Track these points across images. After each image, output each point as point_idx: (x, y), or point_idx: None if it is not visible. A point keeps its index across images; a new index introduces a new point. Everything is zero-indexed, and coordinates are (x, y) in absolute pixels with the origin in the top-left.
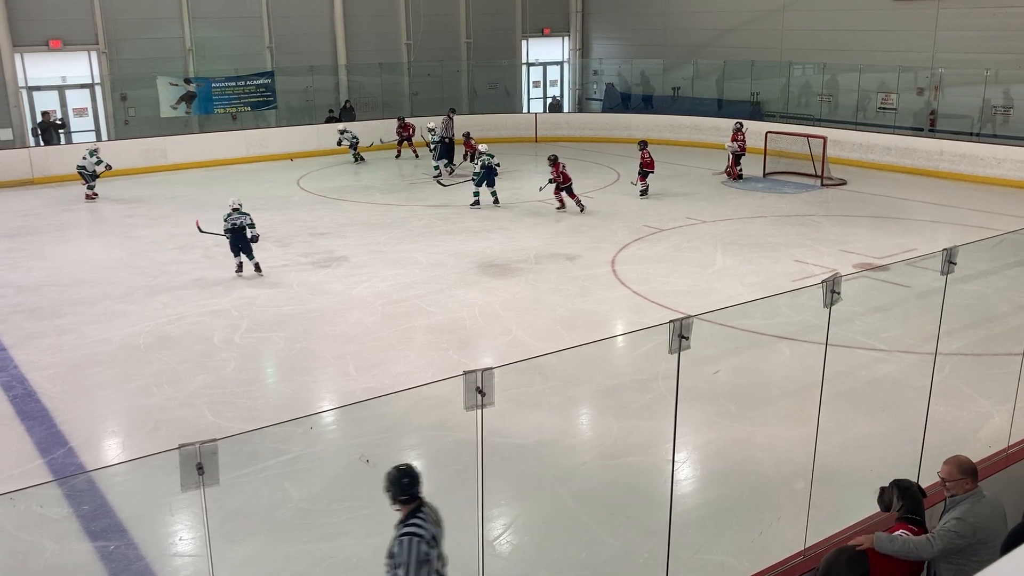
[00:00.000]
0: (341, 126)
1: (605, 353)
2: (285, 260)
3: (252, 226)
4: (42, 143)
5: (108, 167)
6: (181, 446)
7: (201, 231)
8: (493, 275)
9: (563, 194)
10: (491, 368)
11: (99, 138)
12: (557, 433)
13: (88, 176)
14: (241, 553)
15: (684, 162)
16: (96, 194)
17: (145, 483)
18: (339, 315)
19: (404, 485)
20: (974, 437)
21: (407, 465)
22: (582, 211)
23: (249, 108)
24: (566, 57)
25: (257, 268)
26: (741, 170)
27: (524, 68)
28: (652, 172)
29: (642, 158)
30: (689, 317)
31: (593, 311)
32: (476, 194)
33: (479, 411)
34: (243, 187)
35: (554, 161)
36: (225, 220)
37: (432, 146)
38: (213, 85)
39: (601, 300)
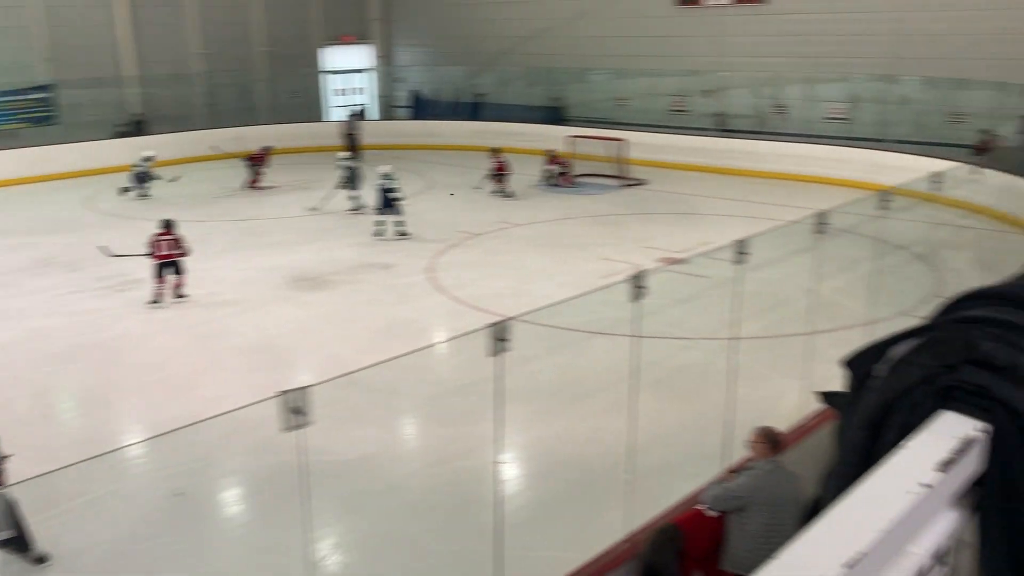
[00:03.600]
0: (148, 152)
1: (427, 362)
2: (79, 285)
3: None
4: None
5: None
6: None
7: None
8: (306, 289)
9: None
10: (305, 387)
11: None
12: (382, 445)
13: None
14: None
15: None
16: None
17: None
18: (142, 341)
19: None
20: (775, 414)
21: None
22: None
23: (28, 124)
24: (372, 64)
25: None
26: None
27: (324, 76)
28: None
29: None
30: (505, 320)
31: (412, 319)
32: None
33: (296, 432)
34: (26, 209)
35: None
36: None
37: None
38: None
39: (420, 308)
